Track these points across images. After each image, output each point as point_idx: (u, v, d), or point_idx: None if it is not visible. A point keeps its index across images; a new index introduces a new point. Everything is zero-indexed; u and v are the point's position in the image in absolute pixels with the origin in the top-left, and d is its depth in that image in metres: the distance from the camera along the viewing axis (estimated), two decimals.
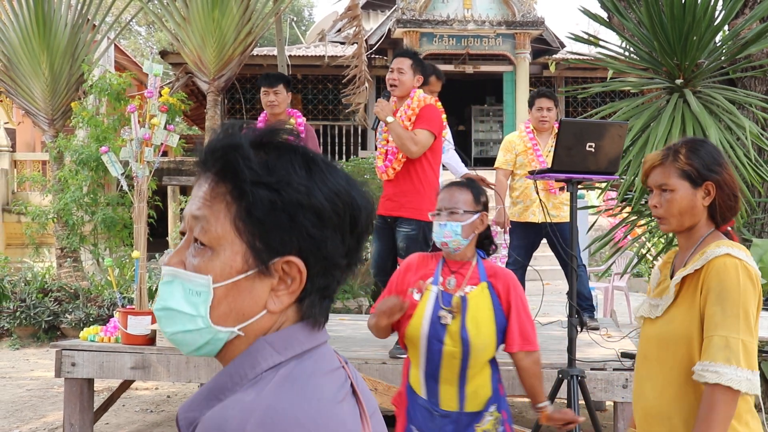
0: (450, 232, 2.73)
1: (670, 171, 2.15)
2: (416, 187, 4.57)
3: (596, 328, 5.20)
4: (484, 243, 2.91)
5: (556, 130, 5.07)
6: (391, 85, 4.65)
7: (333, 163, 1.04)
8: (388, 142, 4.67)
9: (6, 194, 13.85)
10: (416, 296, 2.78)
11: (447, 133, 5.46)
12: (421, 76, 4.72)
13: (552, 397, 3.55)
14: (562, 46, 17.85)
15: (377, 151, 4.79)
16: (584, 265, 5.83)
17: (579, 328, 3.68)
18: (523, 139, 5.70)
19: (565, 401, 3.55)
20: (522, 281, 4.13)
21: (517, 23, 16.80)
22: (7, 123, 16.77)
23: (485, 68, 17.46)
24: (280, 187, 0.96)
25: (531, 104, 5.70)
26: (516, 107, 17.23)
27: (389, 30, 17.23)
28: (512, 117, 17.26)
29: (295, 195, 0.96)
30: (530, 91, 17.09)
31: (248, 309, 0.98)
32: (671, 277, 2.21)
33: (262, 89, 5.31)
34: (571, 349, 3.59)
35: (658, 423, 2.13)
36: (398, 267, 3.08)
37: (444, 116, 4.88)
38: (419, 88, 4.71)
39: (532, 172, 4.21)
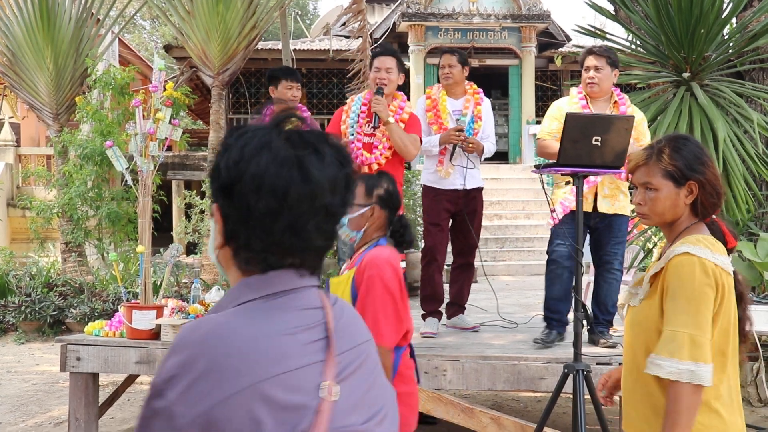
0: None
1: (654, 170, 2.20)
2: (399, 182, 4.75)
3: (613, 346, 4.46)
4: (395, 236, 2.85)
5: (617, 98, 4.63)
6: (381, 85, 4.73)
7: (258, 137, 1.22)
8: (373, 135, 4.73)
9: (11, 189, 13.87)
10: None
11: None
12: (402, 74, 4.91)
13: (557, 391, 3.54)
14: (568, 39, 17.80)
15: (354, 143, 4.80)
16: (620, 270, 4.78)
17: (584, 323, 3.65)
18: (575, 106, 4.64)
19: (571, 396, 3.53)
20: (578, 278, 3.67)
21: (523, 17, 16.75)
22: (12, 117, 16.78)
23: (491, 62, 17.42)
24: (218, 151, 1.24)
25: (582, 64, 4.73)
26: (522, 101, 17.19)
27: (394, 24, 17.20)
28: (518, 111, 17.22)
29: (216, 159, 1.23)
30: (536, 84, 17.09)
31: (214, 243, 1.26)
32: None
33: (286, 82, 5.42)
34: (576, 343, 3.57)
35: (631, 407, 2.24)
36: None
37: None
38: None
39: (537, 166, 4.18)
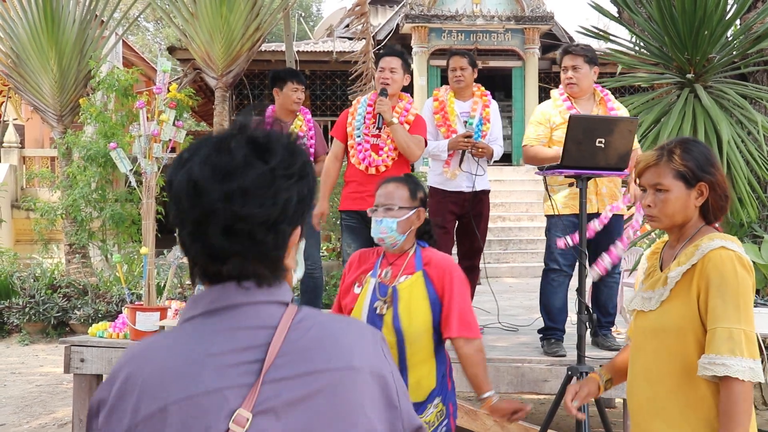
0: (386, 228, 2.78)
1: (665, 171, 2.16)
2: None
3: (616, 349, 4.42)
4: (424, 237, 2.94)
5: (601, 95, 4.61)
6: (384, 85, 4.72)
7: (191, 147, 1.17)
8: (379, 137, 4.72)
9: (15, 190, 13.90)
10: (357, 290, 2.87)
11: None
12: (408, 74, 4.90)
13: (561, 393, 3.53)
14: (572, 41, 17.77)
15: (362, 144, 4.79)
16: (619, 272, 4.79)
17: (588, 326, 3.64)
18: (560, 108, 4.56)
19: None
20: (582, 280, 3.63)
21: (526, 18, 16.74)
22: (16, 119, 16.81)
23: (494, 64, 17.41)
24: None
25: (560, 65, 4.64)
26: (525, 103, 17.17)
27: (397, 25, 17.20)
28: (521, 113, 17.21)
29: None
30: (539, 86, 17.08)
31: None
32: (661, 269, 2.23)
33: (291, 84, 5.41)
34: (580, 345, 3.56)
35: (654, 417, 2.13)
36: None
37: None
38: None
39: (541, 168, 4.18)
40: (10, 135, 14.50)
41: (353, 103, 5.07)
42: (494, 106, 5.29)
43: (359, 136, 4.82)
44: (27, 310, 8.73)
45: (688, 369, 2.05)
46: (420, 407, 2.75)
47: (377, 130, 4.73)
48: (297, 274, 1.29)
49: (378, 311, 2.76)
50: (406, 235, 2.82)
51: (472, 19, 16.76)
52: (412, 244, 2.87)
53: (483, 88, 5.32)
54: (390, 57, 4.82)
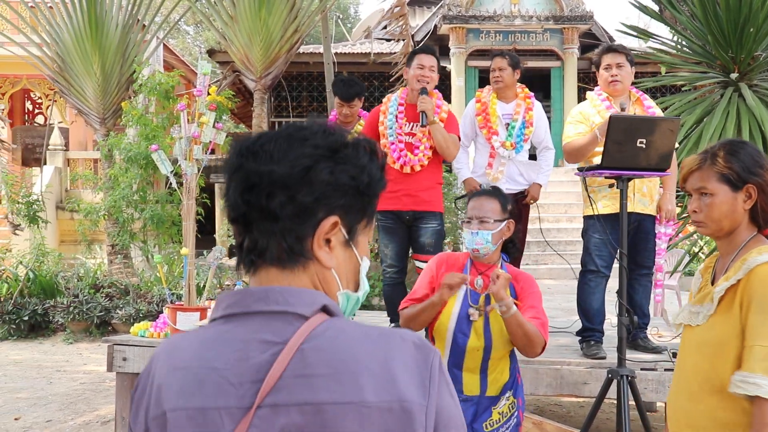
0: (481, 239, 2.95)
1: (708, 175, 2.12)
2: (439, 182, 4.82)
3: (656, 351, 4.38)
4: (508, 246, 3.09)
5: (637, 95, 4.58)
6: (424, 83, 4.72)
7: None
8: (413, 135, 4.71)
9: (60, 192, 14.18)
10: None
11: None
12: (439, 75, 4.89)
13: (601, 397, 3.49)
14: (612, 40, 17.56)
15: (396, 143, 4.77)
16: (652, 273, 4.65)
17: (629, 328, 3.59)
18: (598, 108, 4.49)
19: (615, 401, 3.48)
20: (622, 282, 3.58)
21: (565, 18, 16.60)
22: (61, 122, 17.16)
23: (532, 64, 17.28)
24: None
25: (597, 65, 4.60)
26: (564, 103, 17.02)
27: (435, 26, 17.17)
28: (560, 113, 17.06)
29: None
30: (579, 87, 16.91)
31: None
32: (712, 283, 2.17)
33: (337, 100, 5.42)
34: (620, 348, 3.52)
35: (688, 431, 2.10)
36: (428, 263, 3.16)
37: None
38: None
39: (581, 169, 4.14)
40: (56, 138, 14.80)
41: (383, 101, 5.05)
42: (538, 108, 5.25)
43: (392, 135, 4.81)
44: (71, 309, 8.90)
45: (725, 386, 2.00)
46: (494, 400, 2.93)
47: (422, 127, 4.71)
48: (359, 293, 1.19)
49: (471, 318, 2.91)
50: (497, 246, 2.99)
51: (510, 20, 16.66)
52: (499, 256, 3.05)
53: (527, 90, 5.29)
54: (427, 55, 4.78)
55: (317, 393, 1.01)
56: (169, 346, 1.12)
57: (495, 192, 3.08)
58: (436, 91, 4.92)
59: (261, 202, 1.08)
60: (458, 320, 2.91)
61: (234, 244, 1.18)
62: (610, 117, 3.71)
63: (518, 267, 5.30)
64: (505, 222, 2.98)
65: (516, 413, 2.98)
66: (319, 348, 1.03)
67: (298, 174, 1.08)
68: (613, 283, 4.42)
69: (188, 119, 4.81)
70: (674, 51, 6.01)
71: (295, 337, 1.03)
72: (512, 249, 3.11)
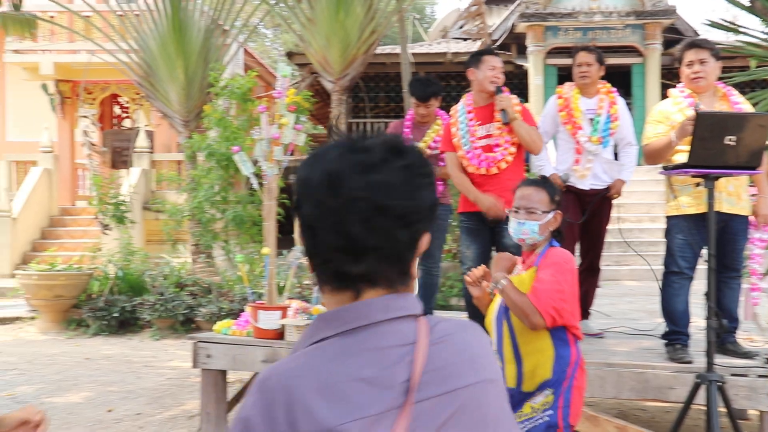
0: (528, 230, 2.97)
1: None
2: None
3: (747, 356, 4.20)
4: (554, 235, 3.06)
5: (723, 90, 4.43)
6: (496, 83, 4.74)
7: (318, 155, 1.18)
8: (490, 136, 4.69)
9: (146, 193, 14.64)
10: (489, 289, 3.04)
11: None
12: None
13: (688, 402, 3.39)
14: (697, 35, 17.03)
15: (472, 150, 4.75)
16: (741, 275, 4.43)
17: (718, 332, 3.48)
18: (680, 106, 4.37)
19: (703, 407, 3.38)
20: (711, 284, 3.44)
21: (647, 13, 16.18)
22: (147, 125, 17.73)
23: (612, 61, 16.88)
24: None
25: (680, 61, 4.45)
26: (645, 101, 16.59)
27: (513, 25, 17.00)
28: (642, 111, 16.63)
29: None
30: (662, 83, 16.46)
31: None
32: None
33: (414, 100, 5.46)
34: (709, 352, 3.41)
35: None
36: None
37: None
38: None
39: (666, 168, 4.03)
40: (142, 140, 15.30)
41: (450, 113, 5.04)
42: (621, 103, 5.16)
43: (467, 144, 4.81)
44: (157, 306, 9.19)
45: None
46: (529, 396, 2.87)
47: (504, 125, 4.69)
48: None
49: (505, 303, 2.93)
50: (544, 236, 2.99)
51: (589, 16, 16.35)
52: (543, 243, 3.02)
53: (609, 85, 5.20)
54: (494, 57, 4.84)
55: (458, 379, 1.12)
56: (292, 365, 1.10)
57: (543, 182, 3.09)
58: (506, 88, 4.90)
59: (381, 236, 1.12)
60: (499, 308, 2.97)
61: (321, 264, 1.16)
62: (697, 114, 3.61)
63: (598, 266, 5.23)
64: (553, 213, 2.99)
65: (549, 412, 2.82)
66: (441, 341, 1.14)
67: (415, 206, 1.14)
68: (698, 286, 4.29)
69: (268, 121, 4.91)
70: (766, 44, 5.78)
71: (421, 334, 1.13)
72: (559, 238, 3.08)
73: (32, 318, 10.23)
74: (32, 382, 6.88)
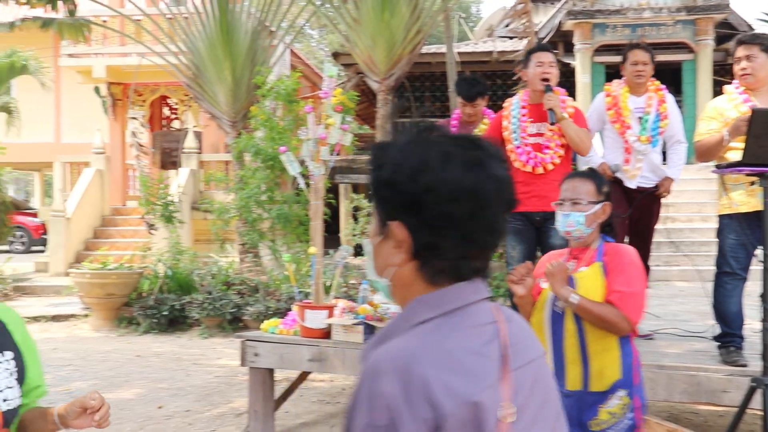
0: (573, 221, 2.87)
1: None
2: None
3: None
4: (606, 230, 2.96)
5: None
6: (545, 79, 4.65)
7: (437, 147, 1.21)
8: (541, 135, 4.64)
9: (194, 193, 14.86)
10: (543, 284, 2.91)
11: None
12: (559, 70, 4.81)
13: (743, 407, 3.31)
14: (751, 29, 16.62)
15: (522, 147, 4.70)
16: None
17: None
18: (735, 102, 4.31)
19: (759, 412, 3.29)
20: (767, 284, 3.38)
21: (699, 8, 15.83)
22: (196, 126, 17.99)
23: (662, 57, 16.52)
24: (379, 170, 1.24)
25: (734, 56, 4.43)
26: (696, 98, 16.25)
27: (559, 23, 16.81)
28: (692, 108, 16.30)
29: (389, 175, 1.21)
30: (714, 80, 16.11)
31: (384, 263, 1.27)
32: None
33: (460, 99, 5.45)
34: (765, 355, 3.33)
35: None
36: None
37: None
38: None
39: (719, 166, 3.94)
40: (190, 141, 15.53)
41: (504, 105, 5.00)
42: (671, 100, 5.07)
43: (517, 139, 4.76)
44: (205, 305, 9.32)
45: None
46: (602, 397, 2.76)
47: (551, 125, 4.64)
48: None
49: (557, 303, 2.83)
50: (592, 228, 2.88)
51: (638, 12, 16.08)
52: (595, 238, 2.92)
53: (658, 83, 5.11)
54: (544, 52, 4.74)
55: (530, 352, 1.27)
56: (413, 346, 1.16)
57: (590, 173, 3.00)
58: (560, 88, 4.84)
59: (501, 233, 1.27)
60: (553, 312, 2.84)
61: (454, 261, 1.23)
62: (752, 111, 3.53)
63: (647, 266, 5.14)
64: (601, 204, 2.88)
65: (631, 414, 2.77)
66: (510, 320, 1.28)
67: None
68: (753, 287, 4.18)
69: (315, 121, 4.93)
70: None
71: (497, 314, 1.26)
72: (609, 231, 2.97)
73: (86, 315, 10.47)
74: (86, 377, 7.04)
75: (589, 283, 2.79)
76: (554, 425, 1.27)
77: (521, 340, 1.26)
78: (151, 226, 12.47)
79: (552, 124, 4.62)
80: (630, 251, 2.88)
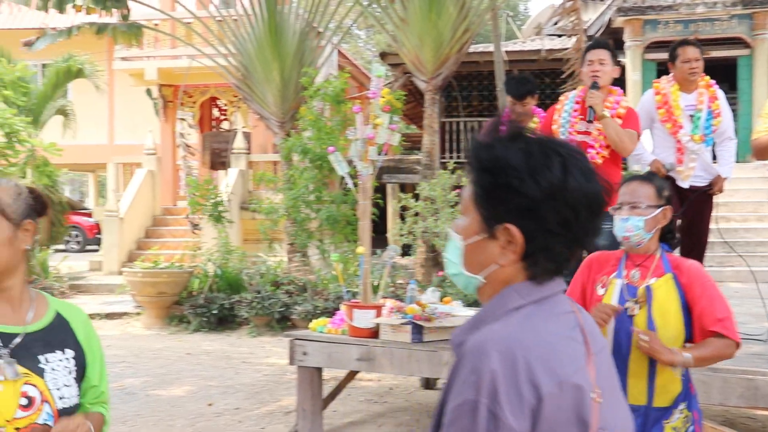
0: (632, 226, 2.72)
1: None
2: (616, 182, 4.55)
3: None
4: (667, 237, 2.84)
5: None
6: (594, 77, 4.56)
7: (552, 150, 1.27)
8: (588, 134, 4.58)
9: (243, 193, 15.03)
10: (600, 291, 2.79)
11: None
12: (617, 66, 4.71)
13: None
14: None
15: (571, 136, 4.65)
16: None
17: None
18: None
19: None
20: None
21: (756, 1, 15.42)
22: (244, 127, 18.20)
23: (716, 53, 16.20)
24: (496, 173, 1.26)
25: None
26: (752, 94, 15.84)
27: (609, 20, 16.56)
28: (748, 105, 15.90)
29: (506, 179, 1.24)
30: None
31: (484, 262, 1.31)
32: None
33: (509, 98, 5.44)
34: None
35: None
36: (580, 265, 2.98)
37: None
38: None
39: None
40: (239, 142, 15.71)
41: (560, 99, 4.95)
42: (722, 96, 4.96)
43: (564, 135, 4.70)
44: (254, 304, 9.42)
45: None
46: (666, 413, 2.65)
47: (588, 123, 4.58)
48: None
49: (629, 312, 2.69)
50: (652, 234, 2.75)
51: (691, 8, 15.74)
52: (657, 246, 2.80)
53: (707, 78, 4.99)
54: (598, 49, 4.67)
55: (600, 340, 1.37)
56: (515, 333, 1.22)
57: (649, 177, 2.86)
58: (617, 88, 4.75)
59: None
60: (618, 318, 2.68)
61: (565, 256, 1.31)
62: None
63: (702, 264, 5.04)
64: (661, 208, 2.73)
65: (692, 428, 2.68)
66: (581, 311, 1.38)
67: None
68: None
69: (363, 121, 4.94)
70: None
71: (573, 306, 1.35)
72: (670, 239, 2.84)
73: (138, 314, 10.68)
74: (138, 374, 7.18)
75: (663, 294, 2.68)
76: (626, 410, 1.36)
77: (593, 329, 1.35)
78: (195, 226, 12.66)
79: (589, 122, 4.56)
80: (700, 267, 2.79)
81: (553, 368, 1.18)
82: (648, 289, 2.69)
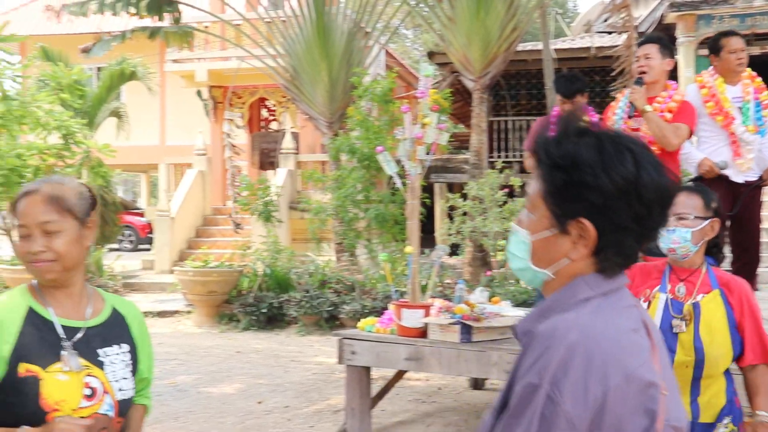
0: (679, 238, 2.64)
1: None
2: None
3: None
4: (713, 251, 2.76)
5: None
6: (641, 72, 4.51)
7: (623, 146, 1.27)
8: (632, 130, 4.51)
9: (291, 193, 15.15)
10: (643, 305, 2.68)
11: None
12: (671, 59, 4.61)
13: None
14: None
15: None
16: None
17: None
18: None
19: None
20: None
21: None
22: (293, 127, 18.34)
23: None
24: (569, 170, 1.26)
25: None
26: None
27: (661, 15, 16.25)
28: None
29: (580, 175, 1.24)
30: None
31: (554, 257, 1.32)
32: None
33: (559, 97, 5.41)
34: None
35: None
36: None
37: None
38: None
39: None
40: (288, 142, 15.84)
41: (617, 96, 4.90)
42: None
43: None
44: (302, 303, 9.49)
45: None
46: (710, 427, 2.58)
47: (628, 118, 4.52)
48: None
49: (675, 330, 2.62)
50: (699, 247, 2.68)
51: (748, 1, 15.35)
52: (702, 260, 2.73)
53: (749, 70, 4.88)
54: (644, 44, 4.62)
55: (658, 333, 1.36)
56: (592, 324, 1.24)
57: (697, 188, 2.79)
58: (672, 82, 4.66)
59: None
60: (662, 334, 2.62)
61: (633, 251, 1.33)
62: None
63: (756, 268, 4.90)
64: (709, 220, 2.66)
65: None
66: (638, 305, 1.39)
67: None
68: None
69: (411, 121, 4.94)
70: None
71: (634, 300, 1.37)
72: (716, 252, 2.77)
73: (189, 312, 10.85)
74: (190, 372, 7.29)
75: (711, 312, 2.63)
76: (682, 405, 1.36)
77: (653, 323, 1.37)
78: (237, 225, 12.79)
79: (630, 117, 4.50)
80: (749, 289, 2.72)
81: (621, 361, 1.19)
82: (696, 306, 2.63)
